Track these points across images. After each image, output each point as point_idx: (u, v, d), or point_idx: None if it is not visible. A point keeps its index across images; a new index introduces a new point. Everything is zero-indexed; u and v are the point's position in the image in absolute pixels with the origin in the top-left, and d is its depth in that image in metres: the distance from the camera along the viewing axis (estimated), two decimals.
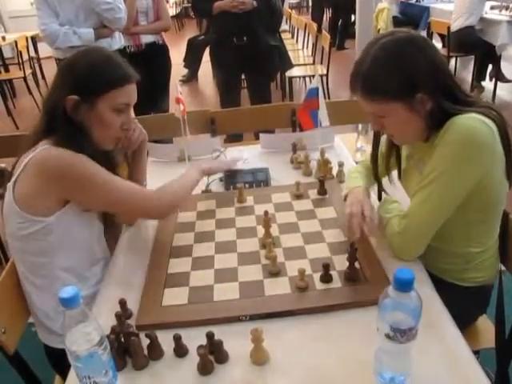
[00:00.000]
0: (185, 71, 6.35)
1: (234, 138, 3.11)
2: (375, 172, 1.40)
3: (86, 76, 1.19)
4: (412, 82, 1.10)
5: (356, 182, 1.36)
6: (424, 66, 1.09)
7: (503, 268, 1.33)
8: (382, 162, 1.39)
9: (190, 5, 11.47)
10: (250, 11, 2.99)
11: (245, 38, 3.09)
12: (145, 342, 0.96)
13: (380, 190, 1.47)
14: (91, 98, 1.19)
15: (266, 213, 1.28)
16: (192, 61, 6.15)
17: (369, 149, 1.64)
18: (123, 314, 1.04)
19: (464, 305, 1.21)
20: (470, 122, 1.08)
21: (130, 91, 1.25)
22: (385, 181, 1.44)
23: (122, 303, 1.07)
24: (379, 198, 1.54)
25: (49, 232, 1.18)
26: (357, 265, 1.14)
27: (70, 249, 1.24)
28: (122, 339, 0.97)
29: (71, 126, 1.19)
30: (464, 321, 1.30)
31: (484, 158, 1.09)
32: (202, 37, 6.18)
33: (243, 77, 3.52)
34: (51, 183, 1.14)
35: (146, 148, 1.48)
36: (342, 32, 7.89)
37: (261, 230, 1.31)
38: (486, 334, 1.37)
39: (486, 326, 1.39)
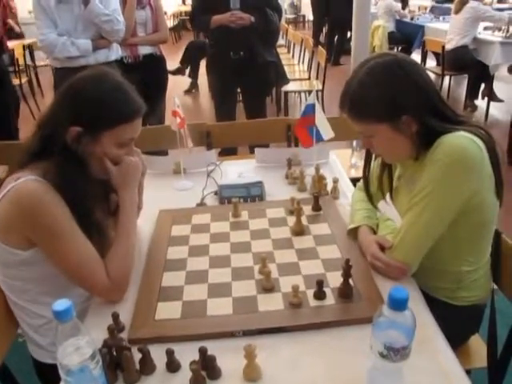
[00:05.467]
0: (187, 83, 6.38)
1: (229, 152, 3.12)
2: (367, 188, 1.40)
3: (94, 108, 1.11)
4: (397, 105, 1.12)
5: (361, 219, 1.34)
6: (410, 89, 1.12)
7: (495, 287, 1.34)
8: (375, 179, 1.40)
9: (187, 17, 11.66)
10: (247, 26, 3.02)
11: (242, 53, 3.12)
12: (137, 356, 0.95)
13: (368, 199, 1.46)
14: (96, 132, 1.13)
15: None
16: (188, 60, 6.15)
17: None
18: (116, 327, 1.03)
19: (456, 324, 1.21)
20: (459, 140, 1.10)
21: (137, 125, 1.19)
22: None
23: (115, 316, 1.06)
24: None
25: (27, 264, 1.15)
26: (351, 282, 1.14)
27: (49, 278, 1.19)
28: (114, 353, 0.96)
29: (68, 156, 1.12)
30: (456, 340, 1.30)
31: (473, 177, 1.11)
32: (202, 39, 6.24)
33: (239, 90, 3.54)
34: (24, 219, 1.09)
35: (144, 179, 1.38)
36: (338, 48, 7.99)
37: (255, 245, 1.31)
38: (478, 353, 1.37)
39: (478, 345, 1.39)
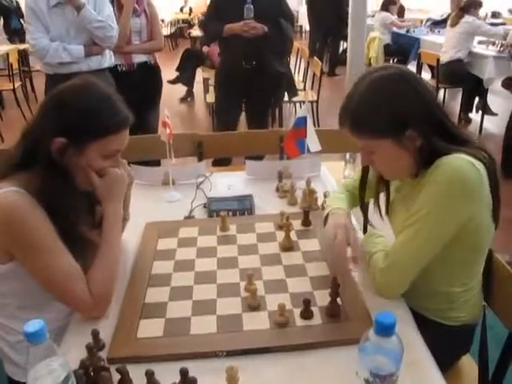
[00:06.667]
0: (183, 91, 6.38)
1: (221, 162, 3.09)
2: (362, 203, 1.38)
3: (78, 119, 1.08)
4: (401, 119, 1.09)
5: (339, 203, 1.33)
6: (414, 104, 1.09)
7: (487, 306, 1.32)
8: (370, 193, 1.37)
9: (184, 25, 11.69)
10: (260, 36, 3.01)
11: (254, 62, 3.11)
12: (116, 376, 0.92)
13: (365, 221, 1.46)
14: (81, 143, 1.10)
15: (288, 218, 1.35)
16: (184, 68, 6.14)
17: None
18: (95, 345, 0.99)
19: (447, 344, 1.18)
20: (459, 163, 1.07)
21: (124, 137, 1.16)
22: (370, 212, 1.43)
23: (95, 334, 1.03)
24: (364, 231, 1.52)
25: (6, 278, 1.12)
26: (339, 301, 1.11)
27: (29, 292, 1.15)
28: (92, 373, 0.93)
29: (51, 167, 1.09)
30: (447, 360, 1.28)
31: (470, 202, 1.08)
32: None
33: (243, 100, 3.52)
34: (1, 233, 1.05)
35: (130, 191, 1.36)
36: (332, 59, 8.01)
37: (242, 261, 1.28)
38: (469, 374, 1.34)
39: (469, 365, 1.36)
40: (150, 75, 3.20)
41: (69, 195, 1.12)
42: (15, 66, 5.55)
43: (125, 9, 2.97)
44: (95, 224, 1.27)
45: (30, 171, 1.10)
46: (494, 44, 4.99)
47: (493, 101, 5.23)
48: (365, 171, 1.34)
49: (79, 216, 1.18)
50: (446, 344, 1.14)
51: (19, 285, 1.14)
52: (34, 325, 0.73)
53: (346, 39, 7.74)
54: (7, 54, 5.41)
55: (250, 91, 3.27)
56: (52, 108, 1.13)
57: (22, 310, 1.17)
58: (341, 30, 7.55)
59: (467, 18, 4.84)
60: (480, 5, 5.03)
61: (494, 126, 5.04)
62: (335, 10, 7.27)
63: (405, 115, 1.09)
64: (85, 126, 1.09)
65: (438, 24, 7.05)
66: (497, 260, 1.28)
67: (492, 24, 5.83)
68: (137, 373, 0.92)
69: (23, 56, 6.03)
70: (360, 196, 1.38)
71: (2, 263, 1.10)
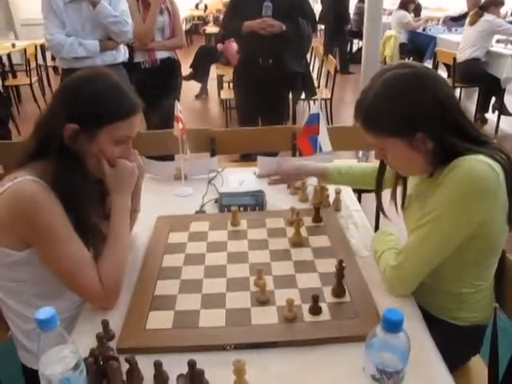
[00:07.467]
0: (197, 88, 6.40)
1: (247, 158, 3.11)
2: (378, 187, 1.34)
3: (89, 105, 1.11)
4: (412, 121, 1.07)
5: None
6: (427, 105, 1.06)
7: (498, 307, 1.30)
8: (388, 183, 1.34)
9: (200, 22, 11.71)
10: (278, 34, 3.01)
11: (270, 60, 3.12)
12: (125, 366, 0.93)
13: (378, 207, 1.41)
14: (93, 129, 1.12)
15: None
16: (198, 65, 6.16)
17: None
18: (105, 335, 1.01)
19: (456, 344, 1.17)
20: (476, 165, 1.04)
21: (134, 123, 1.18)
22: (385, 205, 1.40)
23: (105, 324, 1.04)
24: (376, 224, 1.51)
25: (22, 265, 1.13)
26: (347, 298, 1.12)
27: (45, 279, 1.17)
28: (101, 362, 0.94)
29: (65, 155, 1.11)
30: (456, 361, 1.27)
31: (485, 205, 1.06)
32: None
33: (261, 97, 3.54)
34: (18, 221, 1.07)
35: (141, 182, 1.37)
36: (342, 56, 7.97)
37: (252, 256, 1.29)
38: (478, 375, 1.33)
39: (478, 366, 1.35)
40: (171, 71, 3.25)
41: (82, 183, 1.14)
42: (32, 61, 5.61)
43: (152, 7, 3.01)
44: (105, 215, 1.28)
45: (45, 160, 1.12)
46: None
47: (510, 101, 5.15)
48: (382, 162, 1.32)
49: (91, 206, 1.20)
50: (455, 344, 1.13)
51: (35, 272, 1.15)
52: (45, 312, 0.75)
53: (344, 36, 7.80)
54: (25, 50, 5.48)
55: (266, 89, 3.27)
56: (63, 96, 1.15)
57: (37, 297, 1.19)
58: (342, 28, 7.57)
59: (487, 17, 4.77)
60: (502, 3, 4.95)
61: (510, 126, 4.97)
62: (336, 8, 7.30)
63: (416, 117, 1.07)
64: (95, 112, 1.11)
65: (456, 20, 6.97)
66: (510, 261, 1.26)
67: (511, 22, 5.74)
68: (145, 363, 0.93)
69: (41, 51, 6.09)
70: (377, 180, 1.33)
71: (18, 250, 1.11)
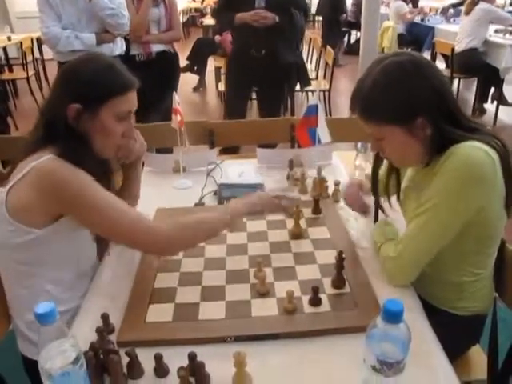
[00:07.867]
0: (195, 80, 6.37)
1: (230, 150, 3.09)
2: (375, 187, 1.36)
3: (88, 84, 1.15)
4: (412, 107, 1.07)
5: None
6: (425, 91, 1.07)
7: (497, 296, 1.31)
8: (382, 180, 1.36)
9: (197, 14, 11.63)
10: (271, 26, 2.99)
11: (263, 51, 3.10)
12: (125, 359, 0.93)
13: (377, 206, 1.43)
14: (94, 107, 1.16)
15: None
16: (195, 57, 6.13)
17: (367, 167, 1.60)
18: (105, 328, 1.01)
19: (456, 334, 1.18)
20: (472, 152, 1.05)
21: (132, 98, 1.22)
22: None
23: (105, 317, 1.04)
24: (375, 216, 1.51)
25: (38, 244, 1.14)
26: (347, 289, 1.12)
27: (58, 262, 1.20)
28: (101, 356, 0.94)
29: (72, 136, 1.15)
30: (456, 350, 1.28)
31: (482, 191, 1.07)
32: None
33: (254, 89, 3.51)
34: (46, 197, 1.10)
35: (141, 160, 1.45)
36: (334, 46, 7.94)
37: (252, 248, 1.28)
38: (478, 364, 1.33)
39: (478, 356, 1.36)
40: (168, 63, 3.21)
41: (89, 164, 1.16)
42: (28, 54, 5.57)
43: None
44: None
45: (53, 145, 1.15)
46: (511, 33, 4.89)
47: (509, 91, 5.13)
48: (378, 155, 1.32)
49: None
50: (455, 333, 1.14)
51: (49, 251, 1.17)
52: (44, 306, 0.74)
53: (341, 26, 7.76)
54: (21, 43, 5.43)
55: (261, 80, 3.27)
56: (63, 80, 1.20)
57: (48, 282, 1.20)
58: (337, 18, 7.53)
59: (482, 5, 4.75)
60: None
61: (509, 117, 4.96)
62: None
63: (415, 103, 1.07)
64: (94, 90, 1.15)
65: (455, 6, 6.93)
66: (509, 251, 1.27)
67: (510, 12, 5.72)
68: (145, 356, 0.94)
69: (38, 44, 6.04)
70: (372, 179, 1.35)
71: (36, 227, 1.12)
